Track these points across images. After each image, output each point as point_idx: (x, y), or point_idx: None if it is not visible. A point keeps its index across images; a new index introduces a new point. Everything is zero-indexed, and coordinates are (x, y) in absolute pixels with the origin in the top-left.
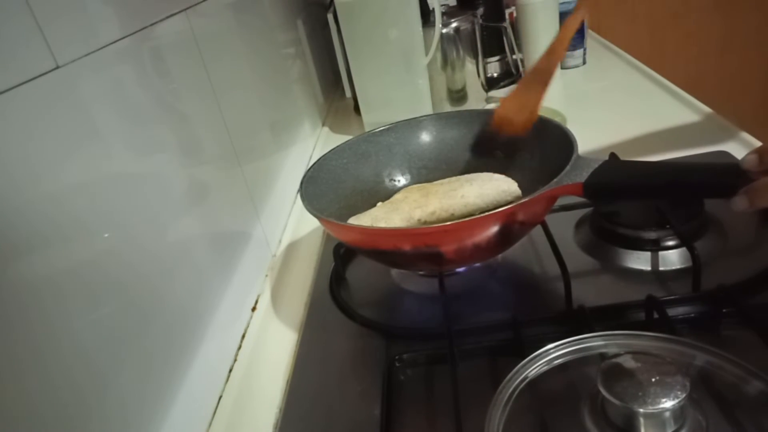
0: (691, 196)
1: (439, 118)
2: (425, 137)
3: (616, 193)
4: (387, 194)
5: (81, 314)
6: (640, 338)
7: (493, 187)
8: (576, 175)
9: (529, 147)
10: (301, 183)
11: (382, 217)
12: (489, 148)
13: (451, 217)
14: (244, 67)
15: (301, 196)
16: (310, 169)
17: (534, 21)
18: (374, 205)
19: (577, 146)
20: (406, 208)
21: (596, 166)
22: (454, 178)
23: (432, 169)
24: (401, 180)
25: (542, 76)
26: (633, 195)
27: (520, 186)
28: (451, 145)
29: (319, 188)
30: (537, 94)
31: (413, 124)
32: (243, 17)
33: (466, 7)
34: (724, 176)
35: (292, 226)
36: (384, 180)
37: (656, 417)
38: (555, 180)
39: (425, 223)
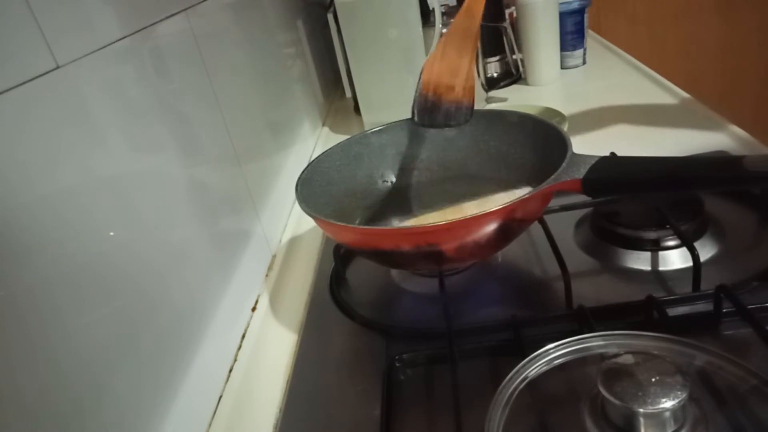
0: (691, 189)
1: None
2: (417, 138)
3: (615, 188)
4: (380, 195)
5: (78, 315)
6: (640, 338)
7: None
8: (574, 171)
9: (521, 147)
10: (296, 186)
11: None
12: (437, 119)
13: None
14: (244, 67)
15: (298, 200)
16: (303, 171)
17: (534, 21)
18: (367, 206)
19: (570, 144)
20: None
21: (593, 162)
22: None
23: (423, 170)
24: (394, 181)
25: (466, 37)
26: (632, 189)
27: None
28: (443, 146)
29: (313, 191)
30: (467, 55)
31: (404, 125)
32: (243, 17)
33: None
34: (723, 169)
35: (292, 226)
36: (377, 181)
37: (656, 417)
38: (553, 177)
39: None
